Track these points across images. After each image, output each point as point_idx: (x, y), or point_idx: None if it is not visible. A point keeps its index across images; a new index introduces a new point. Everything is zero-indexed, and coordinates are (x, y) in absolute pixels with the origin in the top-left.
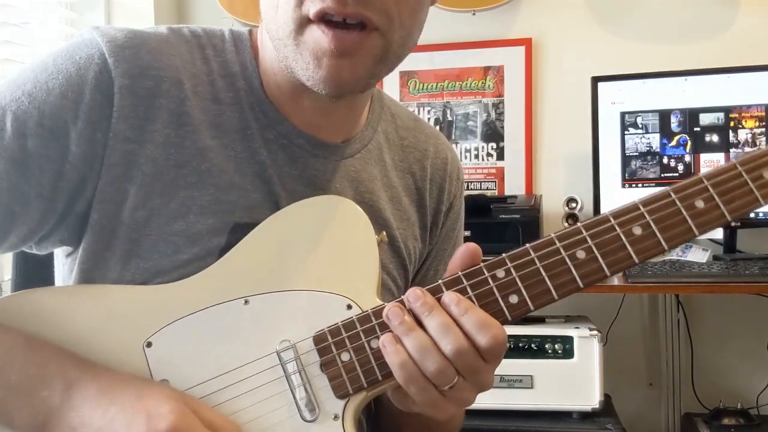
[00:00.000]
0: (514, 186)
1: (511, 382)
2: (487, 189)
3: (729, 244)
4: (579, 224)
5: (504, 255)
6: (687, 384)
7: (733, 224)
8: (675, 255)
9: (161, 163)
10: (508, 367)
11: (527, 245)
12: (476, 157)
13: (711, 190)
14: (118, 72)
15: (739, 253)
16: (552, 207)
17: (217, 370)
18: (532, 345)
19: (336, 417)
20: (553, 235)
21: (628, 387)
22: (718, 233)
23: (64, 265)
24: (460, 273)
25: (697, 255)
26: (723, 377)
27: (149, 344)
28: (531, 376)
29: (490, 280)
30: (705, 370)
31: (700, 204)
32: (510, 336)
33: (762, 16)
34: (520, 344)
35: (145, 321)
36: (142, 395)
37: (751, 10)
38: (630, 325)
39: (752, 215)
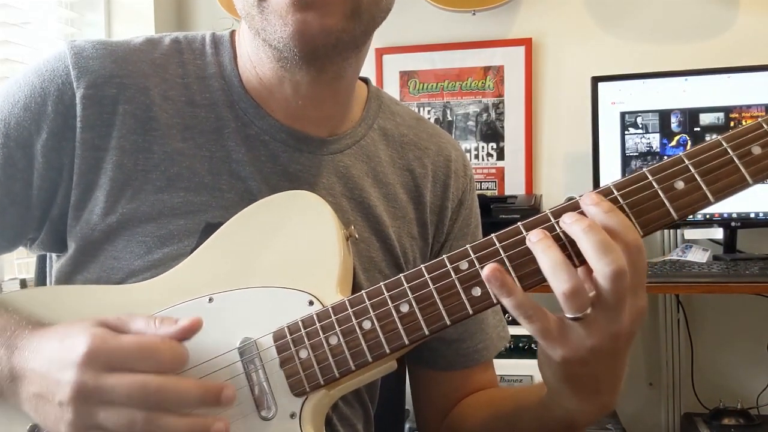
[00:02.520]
0: (514, 186)
1: (511, 382)
2: (487, 189)
3: (729, 244)
4: (548, 211)
5: (467, 246)
6: (687, 384)
7: (733, 224)
8: (675, 255)
9: (129, 168)
10: (508, 367)
11: (492, 235)
12: (476, 157)
13: (692, 169)
14: (81, 83)
15: (739, 253)
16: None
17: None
18: (532, 345)
19: (293, 415)
20: (520, 224)
21: (628, 387)
22: (718, 233)
23: (54, 268)
24: (422, 266)
25: (697, 255)
26: (723, 377)
27: None
28: (531, 376)
29: (452, 273)
30: (705, 370)
31: (679, 185)
32: (510, 336)
33: (762, 16)
34: (520, 344)
35: None
36: (63, 337)
37: (751, 10)
38: None
39: (752, 215)
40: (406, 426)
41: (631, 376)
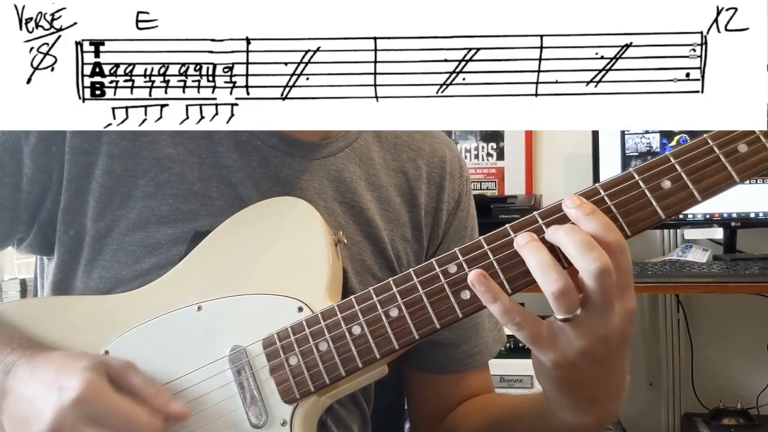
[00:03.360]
0: (514, 186)
1: (511, 382)
2: (487, 189)
3: (729, 244)
4: (535, 213)
5: (456, 249)
6: (687, 384)
7: (733, 224)
8: (675, 255)
9: (119, 174)
10: (508, 367)
11: (480, 238)
12: (476, 157)
13: (679, 168)
14: None
15: (739, 253)
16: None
17: (170, 376)
18: None
19: (284, 423)
20: (508, 226)
21: (628, 387)
22: (718, 233)
23: (45, 271)
24: (410, 270)
25: (697, 255)
26: (723, 377)
27: (106, 353)
28: (531, 376)
29: (441, 276)
30: (705, 370)
31: (666, 184)
32: (510, 336)
33: None
34: (520, 344)
35: (103, 331)
36: (61, 370)
37: None
38: None
39: (752, 215)
40: (406, 426)
41: (631, 376)
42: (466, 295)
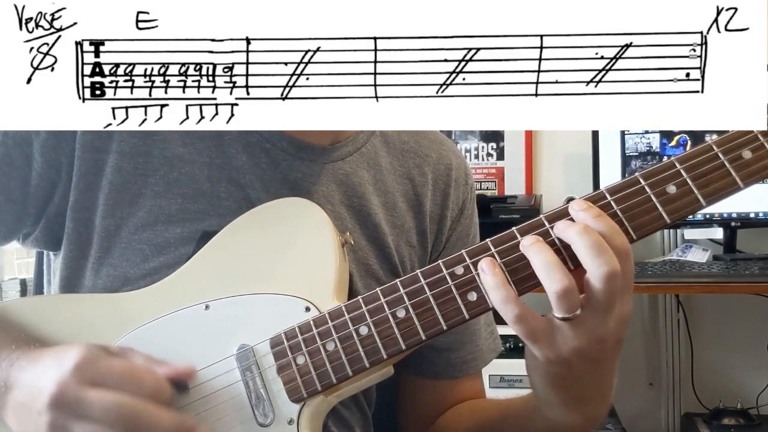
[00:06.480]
0: (514, 186)
1: (511, 382)
2: (487, 189)
3: (729, 244)
4: (542, 216)
5: (463, 251)
6: (687, 384)
7: (733, 224)
8: (675, 255)
9: (128, 172)
10: (508, 367)
11: (488, 240)
12: (476, 157)
13: (684, 174)
14: None
15: (739, 253)
16: (552, 207)
17: None
18: None
19: (291, 421)
20: (514, 229)
21: (628, 387)
22: (718, 233)
23: (52, 268)
24: (418, 271)
25: (697, 255)
26: (723, 377)
27: None
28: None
29: (448, 278)
30: (705, 370)
31: (672, 189)
32: (510, 336)
33: None
34: (520, 344)
35: (110, 329)
36: (60, 351)
37: None
38: (630, 325)
39: (752, 215)
40: None
41: (631, 376)
42: (473, 296)
